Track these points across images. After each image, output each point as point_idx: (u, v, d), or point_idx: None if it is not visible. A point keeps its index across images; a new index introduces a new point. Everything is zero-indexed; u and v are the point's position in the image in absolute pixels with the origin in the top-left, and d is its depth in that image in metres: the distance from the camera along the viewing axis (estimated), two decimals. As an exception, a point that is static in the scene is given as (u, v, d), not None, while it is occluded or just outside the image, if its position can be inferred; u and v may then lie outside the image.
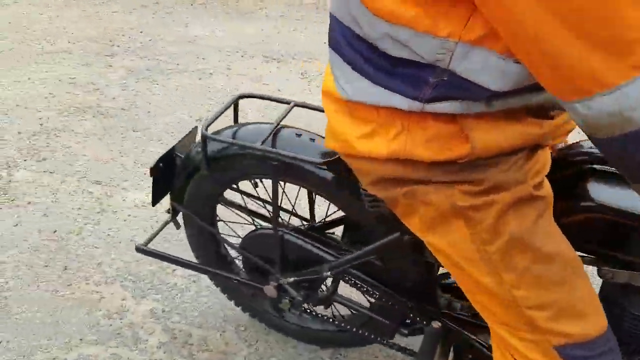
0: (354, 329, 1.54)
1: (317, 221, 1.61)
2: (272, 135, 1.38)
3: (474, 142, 0.89)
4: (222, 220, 1.70)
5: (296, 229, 1.54)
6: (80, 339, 1.76)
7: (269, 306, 1.74)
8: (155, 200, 1.60)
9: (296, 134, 1.42)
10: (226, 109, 1.47)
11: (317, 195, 1.54)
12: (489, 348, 1.26)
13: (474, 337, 1.35)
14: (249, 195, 1.65)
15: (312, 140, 1.40)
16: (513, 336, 1.01)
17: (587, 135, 0.74)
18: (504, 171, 0.95)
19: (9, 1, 4.15)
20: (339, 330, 1.67)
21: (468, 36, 0.78)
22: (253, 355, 1.75)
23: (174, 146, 1.57)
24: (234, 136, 1.44)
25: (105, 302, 1.88)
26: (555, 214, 1.01)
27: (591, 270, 1.12)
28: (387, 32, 0.85)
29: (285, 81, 3.32)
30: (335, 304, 1.61)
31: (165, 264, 1.93)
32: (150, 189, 1.54)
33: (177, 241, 2.09)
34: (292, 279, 1.50)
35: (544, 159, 1.01)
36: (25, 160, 2.52)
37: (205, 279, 1.93)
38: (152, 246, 1.67)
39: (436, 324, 1.34)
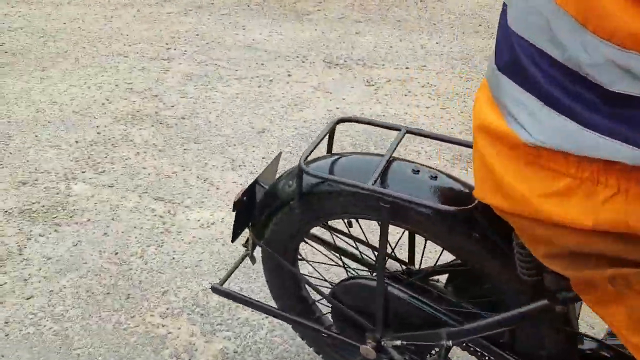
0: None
1: (418, 267, 1.38)
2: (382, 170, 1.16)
3: None
4: (305, 260, 1.48)
5: (403, 280, 1.31)
6: (147, 382, 1.58)
7: (359, 364, 1.52)
8: (235, 236, 1.39)
9: (413, 170, 1.18)
10: (324, 137, 1.25)
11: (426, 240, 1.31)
12: None
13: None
14: (346, 235, 1.42)
15: (433, 178, 1.17)
16: None
17: None
18: None
19: (63, 1, 4.04)
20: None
21: None
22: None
23: (257, 177, 1.36)
24: (334, 170, 1.22)
25: (173, 339, 1.69)
26: None
27: None
28: (613, 60, 0.61)
29: (350, 89, 3.10)
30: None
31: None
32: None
33: (252, 272, 1.89)
34: (397, 342, 1.27)
35: None
36: (83, 172, 2.37)
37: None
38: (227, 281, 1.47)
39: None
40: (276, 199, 1.32)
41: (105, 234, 2.06)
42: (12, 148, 2.53)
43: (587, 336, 1.18)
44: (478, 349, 1.20)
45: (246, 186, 1.34)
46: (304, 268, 1.67)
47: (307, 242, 1.44)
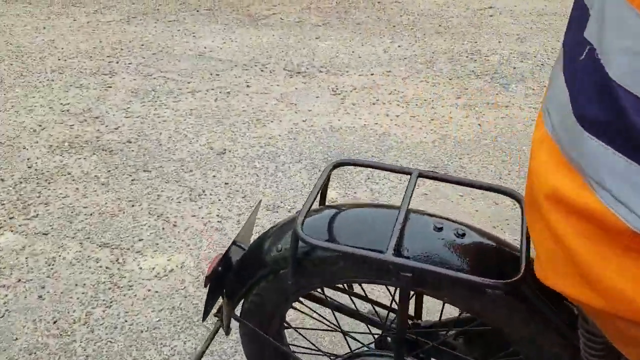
0: None
1: (424, 323, 1.10)
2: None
3: None
4: (293, 328, 1.15)
5: (422, 345, 1.02)
6: None
7: None
8: (206, 314, 1.06)
9: (435, 227, 0.88)
10: (320, 190, 0.93)
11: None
12: None
13: None
14: (350, 294, 1.11)
15: (460, 235, 0.87)
16: None
17: None
18: None
19: (-13, 12, 3.54)
20: None
21: None
22: None
23: (234, 239, 1.03)
24: (336, 231, 0.90)
25: None
26: None
27: None
28: None
29: (316, 99, 2.78)
30: None
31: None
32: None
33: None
34: None
35: None
36: (11, 219, 1.95)
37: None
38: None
39: None
40: (260, 266, 0.99)
41: (40, 297, 1.67)
42: None
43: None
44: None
45: (220, 252, 1.02)
46: (292, 336, 1.35)
47: (295, 308, 1.12)
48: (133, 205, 2.04)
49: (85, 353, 1.51)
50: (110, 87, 2.79)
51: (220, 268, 0.98)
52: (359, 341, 1.08)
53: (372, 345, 1.11)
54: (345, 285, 1.07)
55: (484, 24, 3.65)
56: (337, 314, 1.12)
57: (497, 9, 3.89)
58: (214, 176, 2.22)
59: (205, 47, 3.22)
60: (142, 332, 1.58)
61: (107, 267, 1.78)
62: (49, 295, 1.67)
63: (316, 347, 1.19)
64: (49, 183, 2.12)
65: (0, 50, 3.08)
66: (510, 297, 0.82)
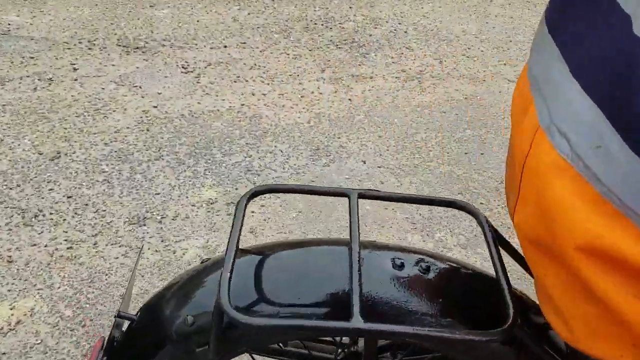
0: None
1: None
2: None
3: None
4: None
5: None
6: None
7: None
8: None
9: (395, 264, 0.71)
10: (239, 231, 0.68)
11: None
12: None
13: None
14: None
15: (425, 270, 0.71)
16: None
17: None
18: None
19: None
20: None
21: None
22: None
23: (117, 312, 0.75)
24: (271, 292, 0.67)
25: None
26: None
27: None
28: None
29: (164, 79, 2.43)
30: None
31: None
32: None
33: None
34: None
35: None
36: None
37: None
38: None
39: None
40: (161, 344, 0.72)
41: None
42: None
43: None
44: None
45: (111, 329, 0.73)
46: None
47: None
48: (-59, 243, 1.55)
49: None
50: None
51: (105, 358, 0.70)
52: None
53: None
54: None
55: (330, -12, 3.56)
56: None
57: (340, -28, 3.83)
58: (50, 189, 1.80)
59: (9, 24, 2.61)
60: (-12, 420, 1.20)
61: None
62: None
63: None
64: None
65: None
66: (506, 345, 0.70)
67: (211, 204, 1.81)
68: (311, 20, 3.09)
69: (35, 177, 1.84)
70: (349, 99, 2.44)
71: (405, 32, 3.07)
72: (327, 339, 0.90)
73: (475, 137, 2.20)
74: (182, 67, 2.52)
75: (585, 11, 0.51)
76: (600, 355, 0.51)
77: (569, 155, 0.48)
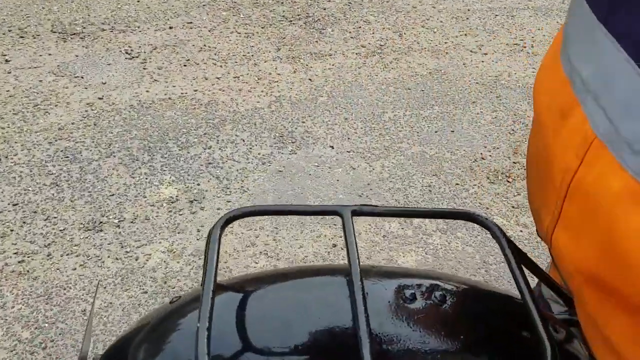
0: None
1: None
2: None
3: None
4: None
5: None
6: None
7: None
8: None
9: (405, 297, 0.63)
10: (216, 267, 0.60)
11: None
12: None
13: None
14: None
15: (441, 300, 0.63)
16: None
17: None
18: None
19: None
20: None
21: None
22: None
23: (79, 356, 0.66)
24: (259, 342, 0.60)
25: None
26: None
27: None
28: None
29: (108, 67, 2.28)
30: None
31: None
32: None
33: None
34: None
35: None
36: None
37: None
38: None
39: None
40: None
41: None
42: None
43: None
44: None
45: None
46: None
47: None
48: None
49: None
50: None
51: None
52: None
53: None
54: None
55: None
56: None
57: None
58: (-8, 197, 1.67)
59: None
60: None
61: None
62: None
63: None
64: None
65: None
66: None
67: (172, 202, 1.72)
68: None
69: (-28, 185, 1.70)
70: (310, 79, 2.37)
71: (361, 4, 3.00)
72: None
73: (444, 113, 2.18)
74: (126, 53, 2.38)
75: None
76: None
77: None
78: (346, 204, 1.76)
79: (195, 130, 2.00)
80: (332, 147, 1.98)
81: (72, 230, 1.61)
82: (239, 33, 2.64)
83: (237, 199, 1.74)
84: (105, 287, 1.48)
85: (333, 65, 2.49)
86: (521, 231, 1.70)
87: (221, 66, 2.39)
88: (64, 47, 2.35)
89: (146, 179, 1.79)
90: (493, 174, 1.91)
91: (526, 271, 0.62)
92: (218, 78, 2.31)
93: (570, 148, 0.46)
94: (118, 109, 2.07)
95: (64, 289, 1.46)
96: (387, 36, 2.71)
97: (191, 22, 2.67)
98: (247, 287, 0.62)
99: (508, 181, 1.89)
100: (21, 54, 2.26)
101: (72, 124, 1.99)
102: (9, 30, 2.39)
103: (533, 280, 0.63)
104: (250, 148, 1.95)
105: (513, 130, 2.12)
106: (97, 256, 1.55)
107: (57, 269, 1.51)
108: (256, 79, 2.33)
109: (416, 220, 1.71)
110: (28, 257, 1.52)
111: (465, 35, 2.78)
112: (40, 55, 2.28)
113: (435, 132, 2.08)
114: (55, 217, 1.64)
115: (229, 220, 0.61)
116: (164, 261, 1.54)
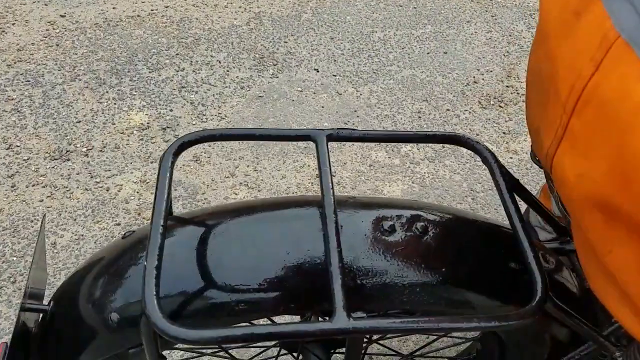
0: None
1: None
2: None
3: None
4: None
5: None
6: None
7: None
8: None
9: (383, 229, 0.57)
10: (167, 199, 0.51)
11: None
12: None
13: None
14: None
15: (422, 231, 0.58)
16: None
17: None
18: None
19: None
20: None
21: None
22: None
23: (21, 304, 0.60)
24: (213, 288, 0.52)
25: None
26: None
27: None
28: None
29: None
30: None
31: None
32: None
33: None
34: None
35: None
36: None
37: None
38: None
39: None
40: (81, 346, 0.58)
41: None
42: None
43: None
44: None
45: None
46: None
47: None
48: None
49: None
50: None
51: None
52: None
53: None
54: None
55: None
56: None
57: None
58: (-53, 124, 1.57)
59: None
60: None
61: None
62: None
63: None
64: None
65: None
66: (534, 324, 0.61)
67: (143, 129, 1.63)
68: None
69: None
70: (292, -5, 2.22)
71: None
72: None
73: (437, 33, 2.06)
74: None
75: None
76: None
77: None
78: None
79: (166, 51, 1.87)
80: (317, 70, 1.88)
81: (37, 160, 1.53)
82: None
83: (214, 126, 1.66)
84: (75, 219, 1.42)
85: (318, -21, 2.32)
86: (511, 158, 1.66)
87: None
88: (20, -43, 2.15)
89: (115, 104, 1.69)
90: (485, 98, 1.83)
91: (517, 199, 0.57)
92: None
93: (584, 53, 0.40)
94: (82, 27, 1.93)
95: (31, 222, 1.40)
96: (377, -54, 2.53)
97: None
98: (207, 221, 0.57)
99: (500, 106, 1.82)
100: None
101: (33, 44, 1.85)
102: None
103: (521, 207, 0.58)
104: (228, 70, 1.84)
105: (508, 52, 2.02)
106: (65, 187, 1.48)
107: (23, 201, 1.44)
108: (233, -7, 2.18)
109: (403, 149, 1.65)
110: (-10, 188, 1.45)
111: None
112: (-7, -34, 2.09)
113: (427, 53, 1.97)
114: (18, 146, 1.55)
115: (183, 145, 0.55)
116: (137, 192, 1.48)
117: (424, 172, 1.59)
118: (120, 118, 1.66)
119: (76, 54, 1.83)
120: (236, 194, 1.50)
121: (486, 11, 2.21)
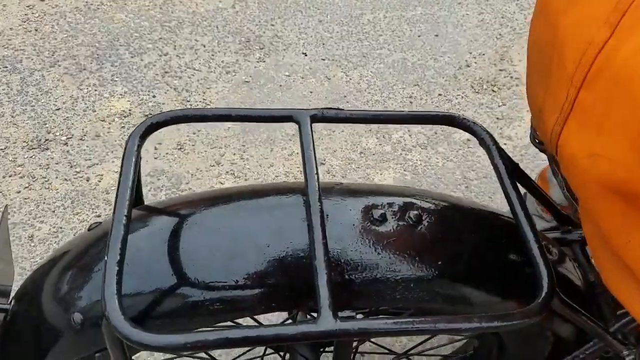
0: None
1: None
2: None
3: None
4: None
5: None
6: None
7: None
8: None
9: (373, 218, 0.53)
10: (132, 187, 0.47)
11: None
12: None
13: None
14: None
15: (416, 220, 0.54)
16: None
17: None
18: None
19: None
20: None
21: None
22: None
23: None
24: (184, 286, 0.48)
25: None
26: None
27: None
28: None
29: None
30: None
31: None
32: None
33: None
34: None
35: None
36: None
37: None
38: None
39: None
40: (45, 347, 0.54)
41: None
42: None
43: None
44: None
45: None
46: None
47: None
48: None
49: None
50: None
51: None
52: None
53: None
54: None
55: None
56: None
57: None
58: None
59: None
60: None
61: None
62: None
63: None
64: None
65: None
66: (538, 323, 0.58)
67: (125, 117, 1.58)
68: None
69: None
70: (279, -23, 2.16)
71: None
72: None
73: (428, 15, 2.01)
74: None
75: None
76: None
77: None
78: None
79: (149, 35, 1.82)
80: (305, 54, 1.83)
81: (15, 149, 1.48)
82: None
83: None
84: (54, 211, 1.38)
85: (306, -40, 2.26)
86: (505, 144, 1.62)
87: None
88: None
89: (95, 90, 1.64)
90: (478, 82, 1.79)
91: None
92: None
93: (595, 18, 0.36)
94: (62, 11, 1.87)
95: (9, 214, 1.36)
96: None
97: None
98: (179, 211, 0.52)
99: (493, 90, 1.78)
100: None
101: (11, 29, 1.79)
102: None
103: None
104: (213, 55, 1.79)
105: (500, 34, 1.98)
106: (43, 177, 1.44)
107: (0, 192, 1.40)
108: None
109: (395, 136, 1.61)
110: (-35, 179, 1.40)
111: None
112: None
113: (418, 36, 1.93)
114: (-6, 135, 1.50)
115: (151, 127, 0.50)
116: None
117: (416, 160, 1.56)
118: (101, 105, 1.61)
119: (55, 39, 1.78)
120: (222, 184, 1.46)
121: (479, -7, 2.16)
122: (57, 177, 1.44)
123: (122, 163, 0.47)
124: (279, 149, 1.55)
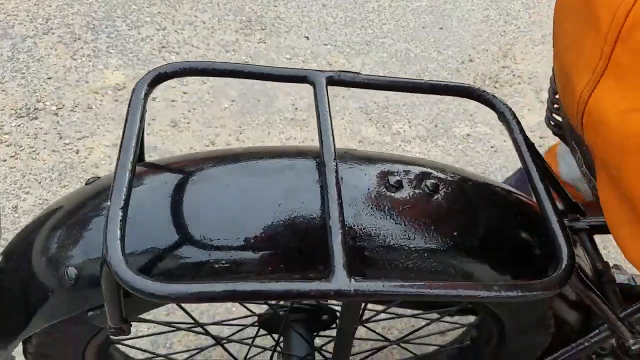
0: None
1: None
2: None
3: None
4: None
5: None
6: None
7: None
8: None
9: (389, 184, 0.53)
10: (138, 138, 0.45)
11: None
12: None
13: None
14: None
15: (432, 189, 0.53)
16: None
17: None
18: None
19: None
20: None
21: None
22: None
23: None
24: (189, 238, 0.46)
25: None
26: None
27: None
28: None
29: None
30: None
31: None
32: None
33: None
34: None
35: None
36: None
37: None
38: None
39: None
40: (36, 307, 0.52)
41: None
42: None
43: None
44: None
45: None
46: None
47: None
48: None
49: None
50: None
51: None
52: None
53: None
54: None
55: None
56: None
57: None
58: None
59: None
60: None
61: None
62: None
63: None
64: None
65: None
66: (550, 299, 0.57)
67: (118, 90, 1.55)
68: None
69: None
70: (284, -41, 2.13)
71: None
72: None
73: (433, 7, 2.00)
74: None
75: None
76: None
77: None
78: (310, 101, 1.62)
79: (147, 8, 1.78)
80: (307, 38, 1.81)
81: (2, 117, 1.45)
82: None
83: (196, 90, 1.59)
84: (40, 182, 1.34)
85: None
86: (505, 141, 1.62)
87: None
88: None
89: (89, 61, 1.60)
90: (480, 78, 1.79)
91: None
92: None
93: None
94: None
95: (-8, 182, 1.32)
96: None
97: None
98: (185, 168, 0.50)
99: (495, 87, 1.77)
100: None
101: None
102: None
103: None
104: (212, 32, 1.76)
105: (504, 31, 1.97)
106: (31, 147, 1.40)
107: (-16, 159, 1.36)
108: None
109: (395, 126, 1.59)
110: (-52, 144, 1.36)
111: None
112: None
113: (423, 28, 1.92)
114: (-19, 100, 1.46)
115: (160, 76, 0.48)
116: (109, 156, 1.40)
117: (415, 152, 1.54)
118: (94, 76, 1.57)
119: (50, 6, 1.74)
120: (216, 163, 1.44)
121: (485, -11, 2.16)
122: (45, 148, 1.40)
123: (128, 111, 0.45)
124: (277, 132, 1.53)
